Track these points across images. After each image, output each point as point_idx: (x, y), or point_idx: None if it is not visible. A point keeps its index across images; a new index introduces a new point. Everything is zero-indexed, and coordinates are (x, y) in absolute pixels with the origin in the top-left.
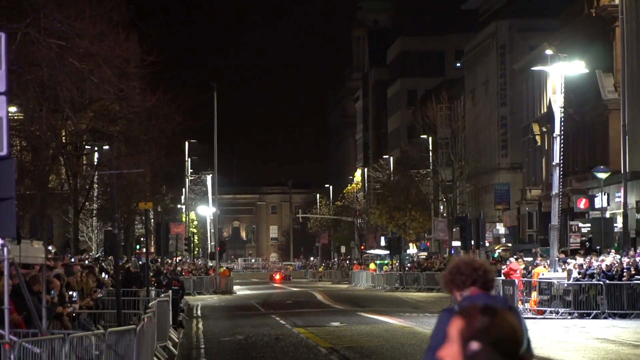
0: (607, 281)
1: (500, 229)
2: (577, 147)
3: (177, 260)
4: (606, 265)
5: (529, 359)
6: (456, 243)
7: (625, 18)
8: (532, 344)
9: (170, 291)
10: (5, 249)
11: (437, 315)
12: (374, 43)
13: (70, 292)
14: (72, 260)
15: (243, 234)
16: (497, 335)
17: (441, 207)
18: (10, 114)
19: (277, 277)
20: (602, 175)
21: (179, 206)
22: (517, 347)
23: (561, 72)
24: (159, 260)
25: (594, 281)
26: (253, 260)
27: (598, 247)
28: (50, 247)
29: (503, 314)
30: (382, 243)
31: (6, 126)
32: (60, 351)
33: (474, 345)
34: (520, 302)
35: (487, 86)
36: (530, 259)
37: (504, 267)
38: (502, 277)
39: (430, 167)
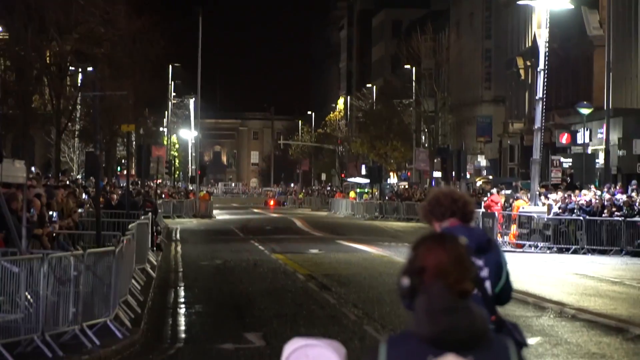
0: (587, 217)
1: (482, 161)
2: (560, 82)
3: (158, 183)
4: (586, 201)
5: (465, 286)
6: (437, 174)
7: None
8: (511, 277)
9: (150, 213)
10: None
11: None
12: None
13: (51, 212)
14: (52, 182)
15: (224, 159)
16: (417, 267)
17: (423, 138)
18: None
19: (272, 202)
20: (585, 111)
21: (161, 129)
22: (443, 275)
23: (546, 7)
24: (139, 182)
25: (574, 216)
26: (233, 185)
27: (578, 183)
28: (32, 168)
29: (430, 245)
30: (363, 172)
31: None
32: (39, 271)
33: (404, 280)
34: (499, 235)
35: (472, 19)
36: (510, 192)
37: (485, 199)
38: (482, 210)
39: (413, 98)
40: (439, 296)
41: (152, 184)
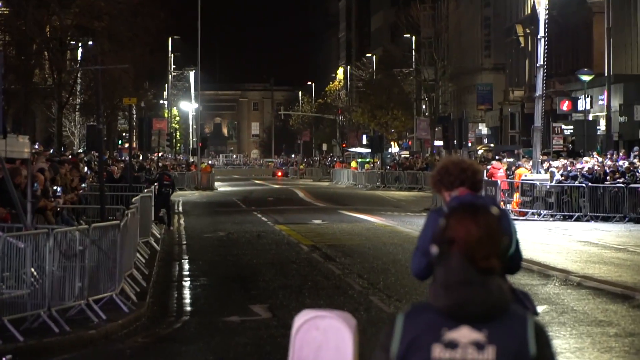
0: (590, 184)
1: (483, 129)
2: (560, 49)
3: (159, 156)
4: (588, 167)
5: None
6: (438, 143)
7: None
8: (520, 246)
9: (153, 186)
10: None
11: (423, 215)
12: None
13: (55, 187)
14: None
15: (225, 131)
16: (447, 238)
17: (423, 107)
18: None
19: (279, 173)
20: (586, 78)
21: (161, 102)
22: (471, 250)
23: None
24: (140, 155)
25: (577, 183)
26: (234, 157)
27: (582, 151)
28: (36, 145)
29: (462, 216)
30: (364, 141)
31: None
32: (45, 246)
33: (433, 249)
34: (502, 204)
35: None
36: (512, 160)
37: (488, 167)
38: (485, 178)
39: (413, 67)
40: (456, 269)
41: (153, 157)
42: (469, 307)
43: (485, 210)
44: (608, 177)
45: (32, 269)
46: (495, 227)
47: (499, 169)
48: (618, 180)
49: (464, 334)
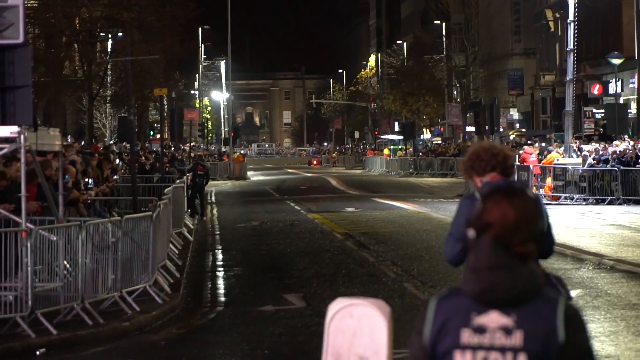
0: (622, 167)
1: (514, 114)
2: (590, 33)
3: (191, 146)
4: (620, 151)
5: (527, 249)
6: (470, 128)
7: None
8: (553, 231)
9: (186, 177)
10: (22, 136)
11: (456, 201)
12: None
13: (87, 179)
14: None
15: (256, 120)
16: (486, 221)
17: (455, 93)
18: (25, 1)
19: (315, 162)
20: (616, 61)
21: (192, 92)
22: (507, 234)
23: None
24: (172, 146)
25: (608, 167)
26: (267, 146)
27: (614, 135)
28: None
29: (499, 199)
30: (396, 128)
31: (22, 14)
32: (77, 238)
33: (470, 232)
34: (535, 188)
35: None
36: (544, 144)
37: (520, 152)
38: (517, 163)
39: (444, 53)
40: (485, 253)
41: (185, 148)
42: (497, 292)
43: (522, 194)
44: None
45: (65, 262)
46: (532, 211)
47: (530, 154)
48: None
49: (493, 318)
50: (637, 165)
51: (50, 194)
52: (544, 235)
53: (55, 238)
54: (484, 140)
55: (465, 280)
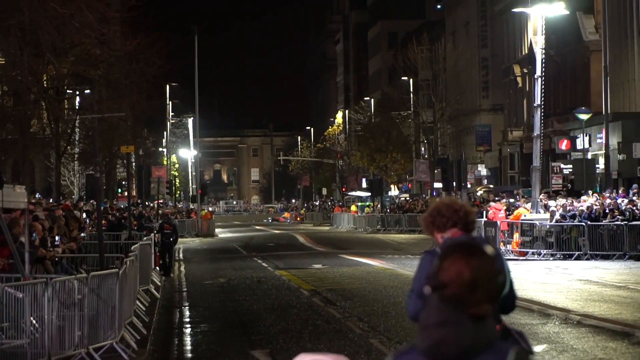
0: (589, 222)
1: (482, 170)
2: (558, 88)
3: (159, 204)
4: (587, 206)
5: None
6: (438, 185)
7: None
8: (515, 286)
9: (153, 234)
10: None
11: (420, 258)
12: None
13: (53, 236)
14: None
15: (224, 177)
16: (441, 280)
17: (422, 149)
18: None
19: (298, 218)
20: (584, 117)
21: (160, 149)
22: (463, 294)
23: (542, 14)
24: (140, 203)
25: (576, 222)
26: (235, 203)
27: (584, 191)
28: (37, 195)
29: (455, 258)
30: (364, 185)
31: None
32: (43, 295)
33: (426, 289)
34: (502, 244)
35: (467, 28)
36: (512, 200)
37: (488, 209)
38: (484, 219)
39: (412, 109)
40: (434, 309)
41: (153, 205)
42: (444, 348)
43: (480, 252)
44: (608, 215)
45: (32, 319)
46: (489, 271)
47: (500, 210)
48: (618, 217)
49: None
50: (605, 220)
51: (16, 252)
52: (502, 294)
53: (21, 295)
54: (444, 197)
55: (417, 336)
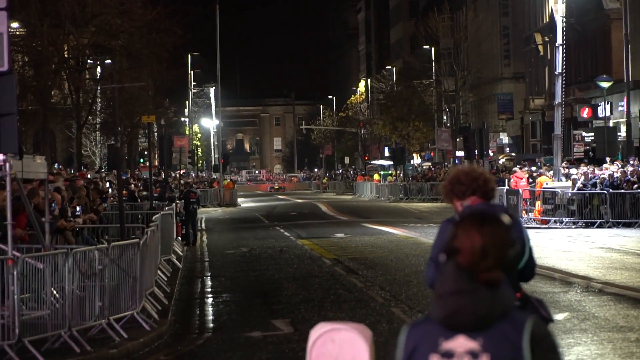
0: (611, 190)
1: (504, 138)
2: (579, 56)
3: (181, 174)
4: (609, 174)
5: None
6: (460, 153)
7: None
8: (536, 254)
9: (175, 204)
10: (7, 165)
11: (439, 226)
12: None
13: (74, 207)
14: (76, 175)
15: (247, 146)
16: (454, 246)
17: (444, 117)
18: (11, 30)
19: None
20: (605, 85)
21: (182, 119)
22: (474, 261)
23: None
24: (163, 173)
25: (598, 190)
26: (257, 172)
27: (607, 158)
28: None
29: (469, 226)
30: (386, 154)
31: (7, 42)
32: (64, 266)
33: (441, 257)
34: (524, 212)
35: None
36: (534, 168)
37: (511, 177)
38: (507, 187)
39: (433, 78)
40: (449, 278)
41: (175, 175)
42: (461, 317)
43: (493, 220)
44: (628, 183)
45: (52, 290)
46: (501, 238)
47: (521, 178)
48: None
49: (460, 343)
50: (633, 187)
51: (36, 222)
52: (519, 264)
53: (42, 266)
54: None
55: (432, 305)
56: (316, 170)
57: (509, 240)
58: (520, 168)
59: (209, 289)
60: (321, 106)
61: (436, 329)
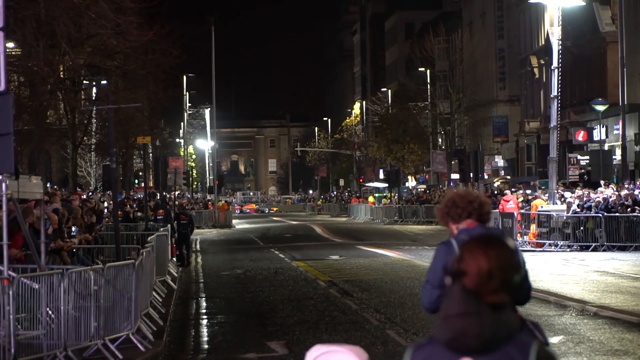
0: (606, 214)
1: (499, 161)
2: (574, 79)
3: (176, 195)
4: (604, 198)
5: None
6: (455, 175)
7: None
8: (532, 277)
9: (169, 225)
10: (3, 185)
11: (435, 249)
12: None
13: (70, 227)
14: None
15: (242, 168)
16: (459, 270)
17: (439, 140)
18: (7, 50)
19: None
20: (600, 108)
21: (177, 140)
22: (480, 283)
23: (558, 4)
24: (158, 195)
25: (593, 213)
26: (252, 194)
27: (601, 181)
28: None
29: (475, 248)
30: (381, 176)
31: (3, 62)
32: (59, 286)
33: (447, 280)
34: (519, 235)
35: (484, 19)
36: (529, 191)
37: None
38: (497, 210)
39: (428, 100)
40: (456, 300)
41: (170, 196)
42: (467, 339)
43: (499, 243)
44: (622, 206)
45: (48, 310)
46: (508, 261)
47: (508, 201)
48: (637, 208)
49: None
50: (627, 210)
51: (32, 242)
52: (522, 286)
53: (37, 286)
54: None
55: (437, 327)
56: (311, 192)
57: (515, 263)
58: (512, 192)
59: (204, 310)
60: (316, 128)
61: (441, 351)
